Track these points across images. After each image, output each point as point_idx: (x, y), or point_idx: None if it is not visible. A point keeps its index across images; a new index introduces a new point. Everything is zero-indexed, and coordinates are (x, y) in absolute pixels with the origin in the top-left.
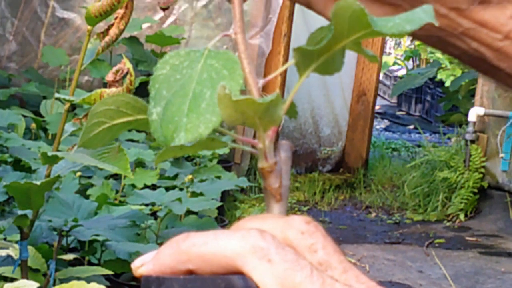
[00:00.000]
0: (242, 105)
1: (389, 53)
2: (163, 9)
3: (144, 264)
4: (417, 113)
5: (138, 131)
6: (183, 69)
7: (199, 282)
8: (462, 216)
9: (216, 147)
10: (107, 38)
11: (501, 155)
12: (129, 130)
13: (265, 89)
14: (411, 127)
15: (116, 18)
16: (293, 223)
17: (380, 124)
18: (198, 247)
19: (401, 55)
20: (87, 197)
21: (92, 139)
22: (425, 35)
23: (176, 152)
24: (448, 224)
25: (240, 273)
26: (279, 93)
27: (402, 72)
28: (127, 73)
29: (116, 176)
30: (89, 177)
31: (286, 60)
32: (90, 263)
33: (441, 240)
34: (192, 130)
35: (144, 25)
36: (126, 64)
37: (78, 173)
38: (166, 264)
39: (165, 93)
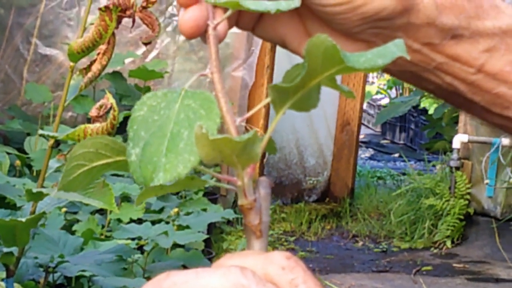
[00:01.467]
0: (219, 144)
1: (372, 82)
2: (145, 44)
3: None
4: (402, 141)
5: None
6: (160, 110)
7: None
8: (449, 243)
9: (196, 185)
10: (89, 74)
11: (486, 181)
12: None
13: (249, 121)
14: (396, 155)
15: (98, 54)
16: (274, 258)
17: (365, 153)
18: (179, 286)
19: (384, 84)
20: (73, 232)
21: (72, 182)
22: (399, 71)
23: (156, 191)
24: (435, 251)
25: None
26: (255, 131)
27: (386, 101)
28: (110, 108)
29: (102, 211)
30: (75, 213)
31: None
32: None
33: (429, 268)
34: (170, 170)
35: (127, 60)
36: (109, 99)
37: (64, 209)
38: None
39: (143, 134)
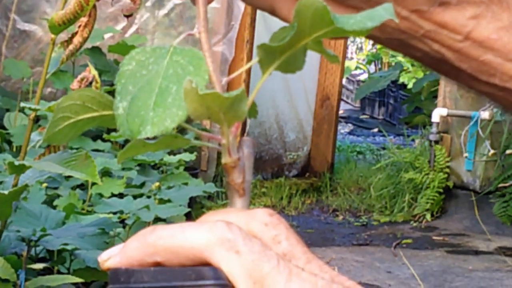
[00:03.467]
0: (208, 99)
1: (351, 58)
2: (127, 16)
3: (111, 257)
4: (381, 116)
5: (104, 141)
6: (149, 65)
7: (169, 274)
8: (428, 216)
9: (179, 144)
10: (71, 47)
11: (465, 154)
12: (94, 140)
13: (229, 89)
14: (375, 130)
15: (79, 26)
16: (256, 215)
17: (344, 128)
18: (165, 240)
19: (363, 60)
20: (54, 207)
21: (57, 134)
22: (387, 38)
23: (139, 149)
24: (415, 224)
25: (208, 265)
26: (244, 89)
27: (365, 76)
28: (92, 80)
29: (82, 186)
30: (55, 188)
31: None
32: (59, 273)
33: (409, 241)
34: (158, 124)
35: (106, 35)
36: (91, 72)
37: (44, 184)
38: (133, 257)
39: (131, 88)
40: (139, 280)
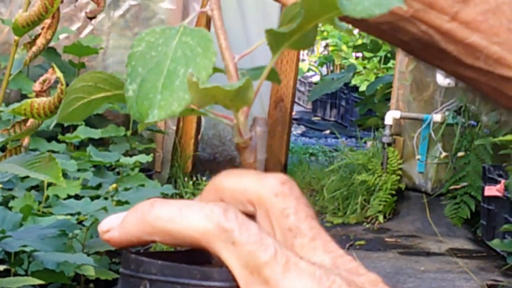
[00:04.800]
0: (211, 91)
1: (303, 60)
2: (90, 18)
3: (111, 230)
4: (333, 118)
5: (59, 142)
6: (158, 46)
7: (175, 270)
8: (381, 218)
9: (196, 113)
10: (34, 48)
11: (417, 157)
12: (49, 141)
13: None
14: (327, 132)
15: (43, 28)
16: (268, 182)
17: (296, 130)
18: (164, 223)
19: (315, 62)
20: (9, 209)
21: (71, 113)
22: (376, 22)
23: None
24: (367, 226)
25: (205, 250)
26: (249, 79)
27: (316, 78)
28: (51, 84)
29: (37, 187)
30: (10, 189)
31: None
32: (17, 275)
33: (362, 242)
34: (165, 107)
35: (61, 36)
36: (56, 73)
37: None
38: (131, 233)
39: (140, 70)
40: (147, 271)
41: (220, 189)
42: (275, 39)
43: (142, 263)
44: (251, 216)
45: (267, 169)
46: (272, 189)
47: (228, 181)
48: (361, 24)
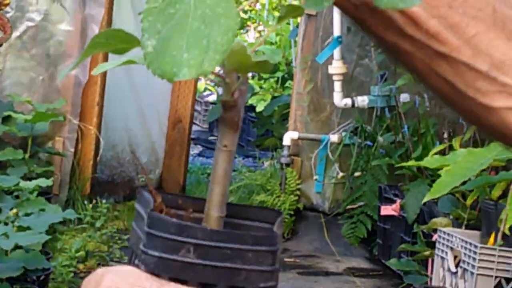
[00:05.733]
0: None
1: (199, 79)
2: None
3: None
4: None
5: None
6: (176, 3)
7: (225, 236)
8: None
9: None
10: None
11: (315, 177)
12: None
13: (83, 106)
14: None
15: None
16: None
17: (193, 150)
18: None
19: (212, 81)
20: None
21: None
22: (355, 5)
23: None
24: None
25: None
26: (243, 45)
27: (213, 97)
28: None
29: None
30: None
31: (102, 90)
32: None
33: None
34: (196, 66)
35: None
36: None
37: None
38: None
39: (159, 27)
40: (191, 236)
41: None
42: None
43: (185, 228)
44: None
45: (166, 189)
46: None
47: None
48: (344, 4)
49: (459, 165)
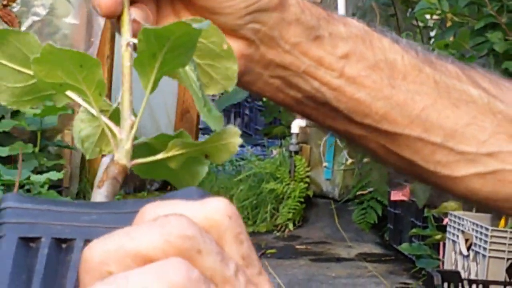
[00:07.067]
0: None
1: None
2: None
3: None
4: (237, 127)
5: None
6: None
7: None
8: (290, 226)
9: None
10: None
11: (324, 164)
12: None
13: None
14: None
15: None
16: (218, 206)
17: (201, 140)
18: (112, 254)
19: None
20: None
21: None
22: (269, 76)
23: None
24: (278, 234)
25: None
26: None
27: None
28: None
29: None
30: None
31: (110, 81)
32: None
33: (273, 250)
34: None
35: None
36: None
37: None
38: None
39: None
40: None
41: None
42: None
43: None
44: None
45: None
46: (224, 211)
47: (163, 210)
48: (255, 76)
49: None
